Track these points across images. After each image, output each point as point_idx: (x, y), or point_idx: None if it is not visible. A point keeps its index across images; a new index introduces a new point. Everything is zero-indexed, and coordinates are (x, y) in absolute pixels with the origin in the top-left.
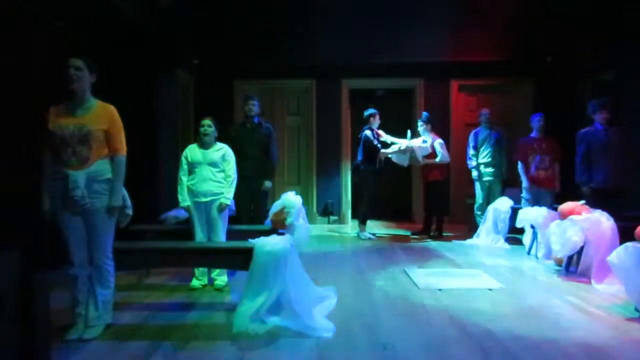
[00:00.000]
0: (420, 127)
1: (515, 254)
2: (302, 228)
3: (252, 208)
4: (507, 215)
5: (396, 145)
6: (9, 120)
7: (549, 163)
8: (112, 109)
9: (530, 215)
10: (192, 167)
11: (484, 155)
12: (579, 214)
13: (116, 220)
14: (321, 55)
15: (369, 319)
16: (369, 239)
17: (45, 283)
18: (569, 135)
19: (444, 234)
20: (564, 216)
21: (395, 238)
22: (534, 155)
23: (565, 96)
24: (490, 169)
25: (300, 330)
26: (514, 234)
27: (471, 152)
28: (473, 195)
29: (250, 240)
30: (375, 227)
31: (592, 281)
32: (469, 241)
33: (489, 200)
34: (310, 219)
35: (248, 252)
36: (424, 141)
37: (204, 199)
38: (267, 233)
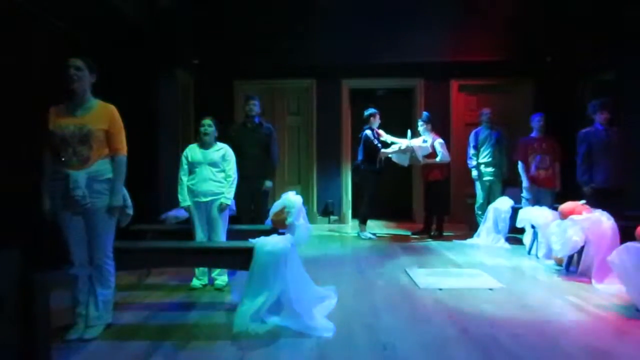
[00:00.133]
0: (421, 126)
1: (515, 254)
2: (303, 228)
3: (252, 208)
4: (508, 215)
5: (396, 145)
6: (9, 120)
7: (549, 163)
8: (113, 108)
9: (531, 215)
10: (192, 167)
11: (485, 155)
12: (580, 213)
13: (117, 220)
14: (321, 55)
15: (369, 318)
16: (370, 238)
17: (46, 283)
18: (569, 135)
19: (445, 233)
20: (564, 216)
21: (396, 238)
22: (534, 155)
23: (565, 96)
24: (490, 169)
25: (301, 330)
26: (514, 234)
27: (471, 151)
28: (473, 195)
29: (250, 240)
30: (376, 227)
31: (593, 281)
32: (469, 241)
33: (489, 200)
34: (311, 219)
35: (248, 252)
36: (424, 141)
37: (204, 199)
38: (267, 233)
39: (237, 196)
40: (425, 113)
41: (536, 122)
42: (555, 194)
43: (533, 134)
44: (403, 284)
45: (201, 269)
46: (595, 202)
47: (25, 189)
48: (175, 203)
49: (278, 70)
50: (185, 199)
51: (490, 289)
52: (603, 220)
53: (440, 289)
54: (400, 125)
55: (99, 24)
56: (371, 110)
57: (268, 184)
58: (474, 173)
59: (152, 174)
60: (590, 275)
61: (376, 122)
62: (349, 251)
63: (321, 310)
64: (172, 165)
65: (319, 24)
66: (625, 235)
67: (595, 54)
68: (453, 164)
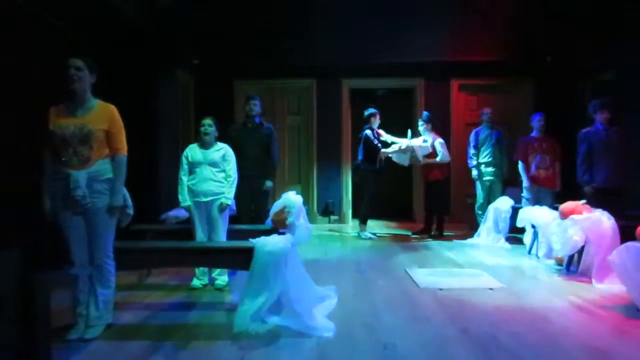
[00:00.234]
0: (421, 126)
1: (516, 254)
2: (303, 228)
3: (252, 208)
4: (508, 215)
5: (396, 145)
6: (9, 120)
7: (550, 162)
8: (113, 108)
9: (531, 214)
10: (192, 167)
11: (485, 155)
12: (580, 213)
13: (117, 220)
14: (321, 55)
15: (369, 318)
16: (370, 238)
17: (46, 283)
18: (569, 134)
19: (445, 233)
20: (564, 216)
21: (396, 238)
22: (534, 154)
23: (566, 96)
24: (490, 169)
25: (301, 330)
26: (514, 234)
27: (472, 151)
28: (474, 195)
29: (250, 240)
30: (376, 227)
31: (593, 281)
32: (469, 241)
33: (489, 199)
34: (311, 219)
35: (249, 252)
36: (424, 140)
37: (204, 199)
38: (267, 233)
39: (238, 196)
40: (425, 113)
41: (536, 122)
42: (555, 193)
43: (533, 134)
44: (403, 283)
45: (201, 268)
46: (596, 201)
47: (25, 189)
48: (175, 203)
49: (278, 70)
50: (185, 199)
51: (491, 289)
52: (603, 220)
53: (441, 289)
54: (401, 125)
55: (99, 24)
56: (371, 110)
57: (268, 184)
58: (474, 173)
59: (153, 174)
60: (590, 275)
61: (376, 122)
62: (349, 251)
63: (321, 310)
64: (172, 165)
65: (319, 24)
66: (626, 235)
67: (595, 54)
68: (453, 163)
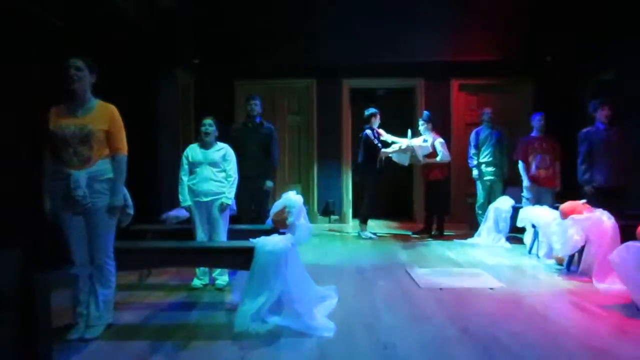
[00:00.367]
0: (421, 126)
1: (516, 253)
2: (303, 228)
3: (253, 208)
4: (508, 215)
5: (397, 145)
6: (9, 120)
7: (550, 162)
8: (113, 108)
9: (532, 214)
10: (193, 167)
11: (485, 155)
12: (580, 213)
13: (117, 220)
14: (322, 54)
15: (369, 318)
16: (370, 238)
17: (46, 283)
18: (569, 134)
19: (445, 233)
20: (565, 215)
21: (396, 237)
22: (534, 154)
23: (566, 96)
24: (491, 168)
25: (302, 330)
26: (515, 233)
27: (472, 151)
28: (474, 195)
29: (251, 239)
30: (376, 227)
31: (594, 280)
32: (470, 240)
33: (490, 199)
34: (311, 219)
35: (249, 252)
36: (424, 140)
37: (205, 199)
38: (268, 233)
39: (238, 196)
40: (426, 112)
41: (536, 122)
42: (555, 193)
43: (533, 134)
44: (404, 283)
45: (202, 268)
46: (596, 201)
47: (26, 189)
48: (175, 203)
49: (278, 70)
50: (185, 199)
51: (491, 289)
52: (604, 220)
53: (441, 289)
54: (401, 125)
55: (99, 24)
56: (371, 110)
57: (269, 184)
58: (475, 173)
59: (153, 174)
60: (591, 274)
61: (376, 121)
62: (349, 251)
63: (322, 310)
64: (173, 165)
65: (319, 23)
66: (626, 234)
67: (595, 54)
68: (453, 163)
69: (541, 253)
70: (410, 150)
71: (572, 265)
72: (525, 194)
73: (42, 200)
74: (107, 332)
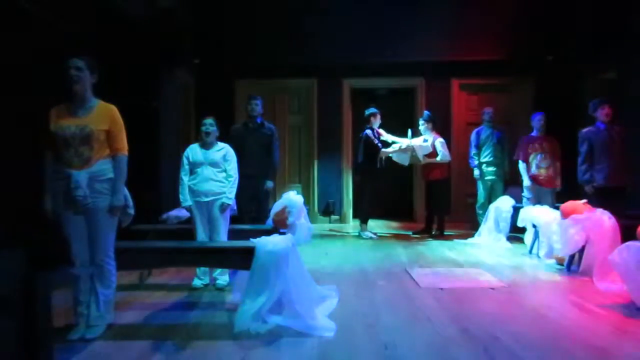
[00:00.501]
0: (422, 125)
1: (516, 253)
2: (304, 227)
3: (253, 208)
4: (509, 214)
5: (397, 145)
6: (9, 120)
7: (550, 162)
8: (114, 108)
9: (532, 214)
10: (193, 167)
11: (486, 155)
12: (581, 212)
13: (118, 220)
14: (322, 54)
15: (370, 318)
16: (371, 238)
17: (47, 282)
18: (570, 134)
19: (446, 233)
20: (565, 215)
21: (397, 237)
22: (535, 154)
23: (566, 95)
24: (492, 168)
25: (302, 330)
26: (515, 233)
27: (473, 151)
28: (474, 194)
29: (251, 239)
30: (377, 227)
31: (594, 280)
32: (470, 240)
33: (490, 199)
34: (312, 219)
35: (249, 252)
36: (424, 140)
37: (205, 199)
38: (268, 233)
39: (239, 196)
40: (426, 112)
41: (537, 122)
42: (556, 193)
43: (534, 133)
44: (404, 283)
45: (202, 268)
46: (597, 201)
47: (27, 189)
48: (176, 203)
49: (279, 70)
50: (186, 199)
51: (492, 289)
52: (604, 220)
53: (442, 289)
54: (402, 125)
55: (100, 23)
56: (372, 110)
57: (269, 184)
58: (476, 172)
59: (153, 174)
60: (591, 274)
61: (377, 121)
62: (350, 251)
63: (322, 309)
64: (173, 165)
65: (320, 23)
66: (627, 234)
67: (595, 54)
68: (454, 163)
69: (542, 253)
70: (410, 150)
71: (572, 265)
72: (525, 193)
73: (44, 200)
74: (107, 332)
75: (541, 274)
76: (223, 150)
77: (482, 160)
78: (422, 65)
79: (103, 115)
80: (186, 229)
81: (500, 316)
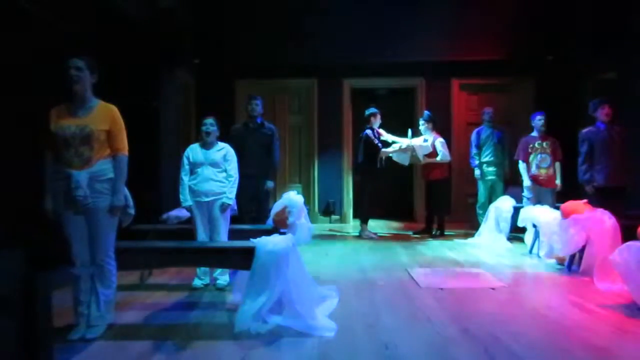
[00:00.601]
0: (422, 125)
1: (517, 253)
2: (304, 227)
3: (254, 208)
4: (509, 214)
5: (397, 145)
6: (9, 120)
7: (550, 162)
8: (114, 109)
9: (532, 214)
10: (193, 167)
11: (487, 154)
12: (581, 212)
13: (118, 220)
14: (323, 54)
15: (370, 318)
16: (371, 238)
17: (47, 282)
18: (570, 134)
19: (446, 233)
20: (566, 215)
21: (397, 237)
22: (535, 154)
23: (566, 95)
24: (492, 168)
25: (302, 330)
26: (516, 233)
27: (474, 151)
28: (474, 194)
29: (252, 239)
30: (377, 227)
31: (595, 280)
32: (470, 240)
33: (491, 199)
34: (312, 219)
35: (250, 252)
36: (424, 140)
37: (205, 199)
38: (269, 232)
39: (239, 196)
40: (426, 112)
41: (537, 122)
42: (556, 193)
43: (534, 133)
44: (404, 283)
45: (203, 268)
46: (597, 201)
47: (27, 189)
48: (176, 203)
49: (279, 70)
50: (186, 199)
51: (492, 289)
52: (605, 219)
53: (442, 289)
54: (402, 125)
55: (100, 23)
56: (372, 110)
57: (269, 184)
58: (477, 172)
59: (154, 174)
60: (592, 274)
61: (377, 121)
62: (350, 251)
63: (323, 309)
64: (173, 165)
65: (320, 23)
66: (627, 234)
67: (596, 53)
68: (454, 163)
69: (542, 253)
70: (410, 150)
71: (573, 265)
72: (525, 193)
73: (44, 200)
74: (108, 332)
75: (542, 274)
76: (223, 150)
77: (483, 160)
78: (422, 65)
79: (103, 115)
80: (186, 229)
81: (501, 316)
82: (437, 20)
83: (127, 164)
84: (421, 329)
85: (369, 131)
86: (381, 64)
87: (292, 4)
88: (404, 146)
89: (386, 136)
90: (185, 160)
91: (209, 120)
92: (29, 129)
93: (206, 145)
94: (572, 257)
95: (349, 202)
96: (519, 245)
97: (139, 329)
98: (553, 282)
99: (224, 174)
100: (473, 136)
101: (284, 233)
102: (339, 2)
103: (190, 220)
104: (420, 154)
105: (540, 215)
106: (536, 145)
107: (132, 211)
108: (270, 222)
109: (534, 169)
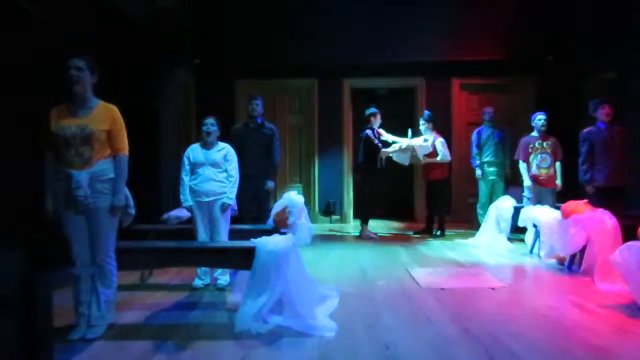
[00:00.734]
0: (422, 125)
1: (517, 253)
2: (304, 227)
3: (254, 208)
4: (510, 214)
5: (397, 144)
6: (10, 120)
7: (551, 162)
8: (114, 109)
9: (533, 214)
10: (194, 167)
11: (487, 154)
12: (582, 212)
13: (119, 220)
14: (323, 54)
15: (371, 318)
16: (371, 238)
17: (48, 282)
18: (571, 134)
19: (446, 232)
20: (566, 215)
21: (398, 237)
22: (535, 154)
23: (567, 95)
24: (493, 168)
25: (303, 330)
26: (516, 233)
27: (475, 151)
28: (475, 194)
29: (252, 239)
30: (377, 227)
31: (595, 280)
32: (471, 240)
33: (491, 199)
34: (312, 219)
35: (250, 252)
36: (425, 140)
37: (206, 199)
38: (269, 232)
39: (239, 196)
40: (426, 112)
41: (537, 121)
42: (556, 193)
43: (534, 133)
44: (405, 283)
45: (203, 268)
46: (598, 201)
47: (27, 189)
48: (177, 203)
49: (279, 70)
50: (187, 199)
51: (492, 289)
52: (605, 219)
53: (442, 289)
54: (402, 125)
55: (100, 23)
56: (372, 110)
57: (270, 184)
58: (478, 172)
59: (154, 174)
60: (592, 274)
61: (377, 121)
62: (350, 251)
63: (323, 309)
64: (174, 165)
65: (320, 23)
66: (628, 234)
67: (596, 53)
68: (454, 163)
69: (542, 253)
70: (410, 149)
71: (573, 265)
72: (526, 193)
73: (44, 200)
74: (108, 332)
75: (542, 274)
76: (224, 150)
77: (484, 160)
78: (422, 65)
79: (104, 116)
80: (187, 229)
81: (501, 316)
82: (437, 20)
83: (128, 164)
84: (421, 329)
85: (369, 131)
86: (381, 64)
87: (292, 4)
88: (404, 146)
89: (386, 136)
90: (185, 160)
91: (210, 120)
92: (29, 129)
93: (207, 146)
94: (573, 257)
95: (349, 202)
96: (519, 245)
97: (139, 329)
98: (553, 282)
99: (225, 174)
100: (474, 136)
101: (284, 233)
102: (339, 2)
103: (190, 220)
104: (420, 154)
105: (541, 215)
106: (536, 145)
107: (132, 211)
108: (270, 222)
109: (534, 169)
